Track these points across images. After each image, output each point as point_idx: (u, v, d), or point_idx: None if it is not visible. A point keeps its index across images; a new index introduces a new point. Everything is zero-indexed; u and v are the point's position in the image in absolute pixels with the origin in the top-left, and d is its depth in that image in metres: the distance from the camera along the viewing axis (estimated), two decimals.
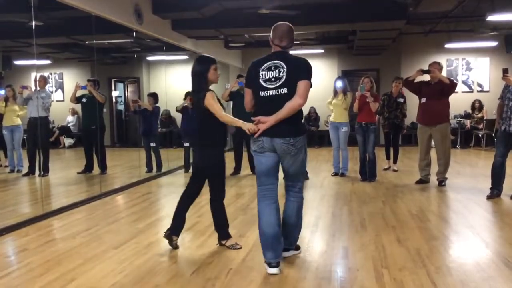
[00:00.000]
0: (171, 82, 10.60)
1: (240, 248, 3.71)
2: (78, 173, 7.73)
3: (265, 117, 3.10)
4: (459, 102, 11.17)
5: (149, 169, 8.01)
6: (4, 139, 7.61)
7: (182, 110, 7.81)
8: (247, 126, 3.22)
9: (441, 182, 6.34)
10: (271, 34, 3.23)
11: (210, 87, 3.63)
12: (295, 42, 3.31)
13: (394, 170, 7.78)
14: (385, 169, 7.87)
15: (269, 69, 3.14)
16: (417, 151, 6.81)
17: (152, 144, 8.00)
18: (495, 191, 5.43)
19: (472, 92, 12.19)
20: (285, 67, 3.09)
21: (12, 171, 7.66)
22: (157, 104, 8.03)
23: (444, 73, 7.50)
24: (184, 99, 7.83)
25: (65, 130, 10.47)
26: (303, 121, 3.41)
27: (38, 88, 7.19)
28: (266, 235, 3.18)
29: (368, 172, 6.88)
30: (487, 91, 12.05)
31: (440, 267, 3.23)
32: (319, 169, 8.12)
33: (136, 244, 3.91)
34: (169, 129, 11.97)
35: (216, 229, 3.83)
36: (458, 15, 8.78)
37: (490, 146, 10.52)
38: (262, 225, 3.22)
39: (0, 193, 6.56)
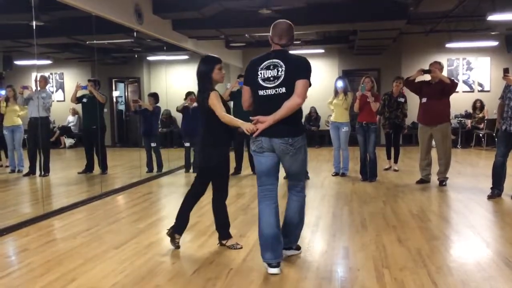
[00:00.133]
0: (171, 82, 10.60)
1: (241, 248, 3.71)
2: (79, 173, 7.73)
3: (264, 116, 3.09)
4: (459, 102, 11.16)
5: (150, 169, 8.01)
6: (5, 139, 7.62)
7: (183, 110, 7.82)
8: (245, 126, 3.21)
9: (442, 182, 6.33)
10: (270, 32, 3.21)
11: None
12: (295, 42, 3.30)
13: (395, 170, 7.77)
14: (386, 169, 7.87)
15: (267, 68, 3.12)
16: (417, 151, 6.80)
17: (153, 144, 8.00)
18: (496, 191, 5.43)
19: (472, 92, 12.19)
20: (284, 66, 3.07)
21: (12, 171, 7.67)
22: (158, 104, 8.03)
23: (444, 73, 7.51)
24: (185, 99, 7.84)
25: (65, 130, 10.47)
26: (303, 120, 3.40)
27: (38, 88, 7.19)
28: (266, 236, 3.18)
29: (368, 172, 6.87)
30: (488, 91, 12.05)
31: (441, 267, 3.23)
32: (320, 169, 8.12)
33: (136, 244, 3.91)
34: (169, 129, 11.98)
35: (217, 229, 3.83)
36: (459, 14, 8.78)
37: (491, 146, 10.51)
38: (261, 226, 3.22)
39: (0, 193, 6.56)
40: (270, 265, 3.16)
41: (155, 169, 8.04)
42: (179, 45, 8.90)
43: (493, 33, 10.44)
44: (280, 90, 3.08)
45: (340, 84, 7.23)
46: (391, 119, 7.69)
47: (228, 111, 3.56)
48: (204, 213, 4.76)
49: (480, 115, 11.44)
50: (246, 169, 7.76)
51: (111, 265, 3.40)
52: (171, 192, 6.56)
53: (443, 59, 11.34)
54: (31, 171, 7.34)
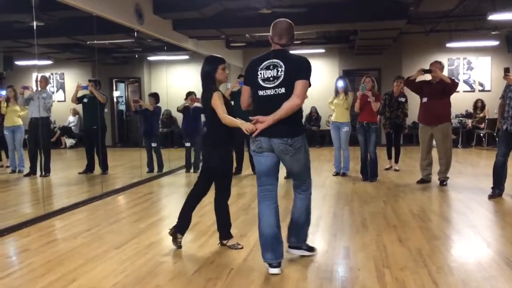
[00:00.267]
0: (172, 82, 10.61)
1: (242, 248, 3.71)
2: (80, 173, 7.74)
3: (263, 116, 3.08)
4: (460, 101, 11.15)
5: (150, 169, 8.01)
6: (6, 139, 7.63)
7: (183, 110, 7.82)
8: (245, 126, 3.21)
9: (443, 182, 6.33)
10: (270, 31, 3.20)
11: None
12: (296, 42, 3.29)
13: (396, 170, 7.77)
14: (387, 169, 7.87)
15: (267, 68, 3.11)
16: (418, 151, 6.80)
17: (153, 144, 8.00)
18: (497, 191, 5.42)
19: (473, 91, 12.18)
20: (284, 66, 3.06)
21: (13, 171, 7.67)
22: (158, 104, 8.03)
23: (445, 73, 7.51)
24: (185, 99, 7.84)
25: (66, 130, 10.48)
26: (303, 120, 3.39)
27: (39, 89, 7.20)
28: (266, 236, 3.18)
29: (369, 171, 6.87)
30: (489, 91, 12.04)
31: (441, 266, 3.23)
32: (321, 169, 8.12)
33: (137, 244, 3.91)
34: (170, 129, 11.98)
35: (218, 228, 3.84)
36: (459, 14, 8.78)
37: (492, 145, 10.50)
38: (261, 226, 3.22)
39: (1, 194, 6.56)
40: (271, 265, 3.16)
41: (156, 169, 8.04)
42: (179, 45, 8.90)
43: (493, 32, 10.43)
44: (280, 90, 3.07)
45: (340, 84, 7.23)
46: (391, 119, 7.68)
47: (231, 111, 3.55)
48: (205, 213, 4.76)
49: (481, 114, 11.43)
50: (246, 169, 7.75)
51: (112, 265, 3.40)
52: (172, 192, 6.56)
53: (443, 58, 11.33)
54: (32, 172, 7.34)
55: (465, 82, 12.24)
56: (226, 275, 3.16)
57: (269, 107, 3.09)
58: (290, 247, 3.46)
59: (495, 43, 11.27)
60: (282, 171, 3.39)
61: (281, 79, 3.06)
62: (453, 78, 6.83)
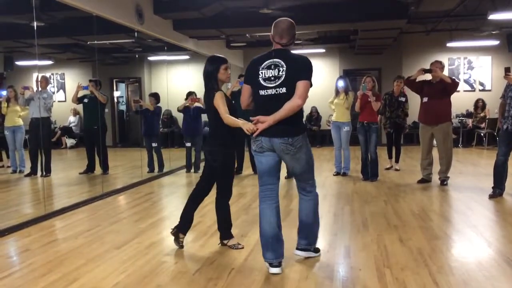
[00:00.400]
0: (172, 82, 10.61)
1: (242, 248, 3.71)
2: (80, 173, 7.75)
3: (264, 116, 3.08)
4: (461, 101, 11.16)
5: (151, 169, 8.02)
6: (6, 139, 7.64)
7: (184, 110, 7.82)
8: (246, 126, 3.21)
9: (443, 182, 6.33)
10: (272, 30, 3.19)
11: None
12: (296, 42, 3.28)
13: (396, 170, 7.77)
14: (387, 169, 7.87)
15: (268, 67, 3.10)
16: (419, 151, 6.80)
17: (154, 144, 8.00)
18: (498, 190, 5.42)
19: (474, 91, 12.18)
20: (285, 66, 3.05)
21: (14, 171, 7.68)
22: (159, 104, 8.04)
23: (445, 72, 7.51)
24: (186, 99, 7.84)
25: (67, 131, 10.49)
26: (304, 120, 3.37)
27: (39, 89, 7.20)
28: (266, 236, 3.18)
29: (370, 171, 6.87)
30: (489, 90, 12.04)
31: (442, 266, 3.23)
32: (321, 168, 8.12)
33: (138, 244, 3.91)
34: (170, 129, 11.99)
35: (219, 228, 3.84)
36: (460, 13, 8.78)
37: (492, 145, 10.50)
38: (262, 226, 3.22)
39: (2, 194, 6.57)
40: (271, 265, 3.16)
41: (156, 169, 8.05)
42: (179, 45, 8.91)
43: (494, 32, 10.43)
44: (281, 90, 3.06)
45: (341, 83, 7.23)
46: (392, 118, 7.68)
47: (234, 111, 3.55)
48: (205, 213, 4.76)
49: (482, 114, 11.43)
50: (247, 169, 7.76)
51: (113, 265, 3.40)
52: (172, 192, 6.56)
53: (444, 58, 11.35)
54: (33, 172, 7.35)
55: (466, 81, 12.24)
56: (227, 275, 3.17)
57: (270, 106, 3.08)
58: (298, 249, 3.44)
59: (495, 42, 11.27)
60: (283, 171, 3.38)
61: (282, 78, 3.05)
62: (453, 77, 6.83)
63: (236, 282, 3.04)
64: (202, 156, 7.62)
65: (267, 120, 3.06)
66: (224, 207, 3.78)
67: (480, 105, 11.54)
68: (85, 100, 7.68)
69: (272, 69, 3.09)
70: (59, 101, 10.53)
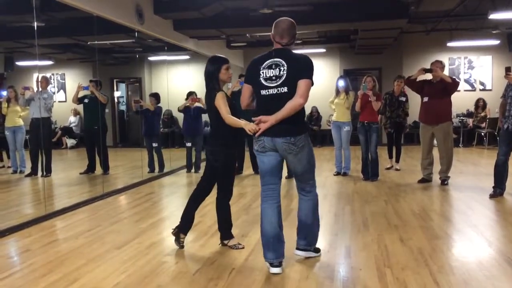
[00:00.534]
0: (173, 82, 10.61)
1: (243, 248, 3.71)
2: (81, 173, 7.75)
3: (266, 116, 3.08)
4: (461, 100, 11.15)
5: (151, 169, 8.02)
6: (7, 140, 7.64)
7: (184, 110, 7.82)
8: (248, 127, 3.21)
9: (444, 181, 6.32)
10: (272, 30, 3.19)
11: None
12: (296, 42, 3.27)
13: (397, 169, 7.77)
14: (388, 168, 7.87)
15: (269, 67, 3.10)
16: (419, 150, 6.80)
17: (154, 144, 8.01)
18: (498, 190, 5.42)
19: (474, 90, 12.18)
20: (286, 65, 3.05)
21: (14, 172, 7.69)
22: (159, 104, 8.04)
23: (446, 72, 7.51)
24: (186, 99, 7.84)
25: (67, 131, 10.50)
26: (305, 119, 3.37)
27: (40, 89, 7.21)
28: (267, 236, 3.18)
29: (370, 171, 6.87)
30: (490, 90, 12.04)
31: (443, 266, 3.23)
32: (321, 168, 8.11)
33: (138, 244, 3.91)
34: (171, 129, 12.00)
35: (219, 228, 3.84)
36: (460, 13, 8.78)
37: (493, 144, 10.49)
38: (263, 225, 3.22)
39: (3, 194, 6.57)
40: (272, 265, 3.16)
41: (157, 169, 8.05)
42: (180, 45, 8.91)
43: (494, 31, 10.43)
44: (282, 89, 3.06)
45: (341, 83, 7.22)
46: (392, 118, 7.68)
47: (235, 111, 3.54)
48: (206, 213, 4.76)
49: (482, 114, 11.43)
50: (247, 169, 7.75)
51: (113, 265, 3.40)
52: (173, 192, 6.57)
53: (444, 58, 11.35)
54: (33, 172, 7.36)
55: (466, 81, 12.24)
56: (228, 275, 3.17)
57: (271, 106, 3.08)
58: (298, 249, 3.44)
59: (496, 42, 11.27)
60: (284, 171, 3.38)
61: (283, 78, 3.05)
62: (454, 77, 6.82)
63: (237, 282, 3.04)
64: (203, 156, 7.65)
65: (269, 120, 3.06)
66: (224, 207, 3.78)
67: (480, 104, 11.53)
68: (86, 100, 7.68)
69: (273, 69, 3.09)
70: (59, 101, 10.55)
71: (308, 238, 3.41)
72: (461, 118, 11.47)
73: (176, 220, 3.93)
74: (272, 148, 3.15)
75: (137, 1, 6.89)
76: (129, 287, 3.01)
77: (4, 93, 7.70)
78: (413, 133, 11.07)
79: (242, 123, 3.34)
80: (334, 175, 7.37)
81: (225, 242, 3.78)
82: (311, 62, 3.10)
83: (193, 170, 8.09)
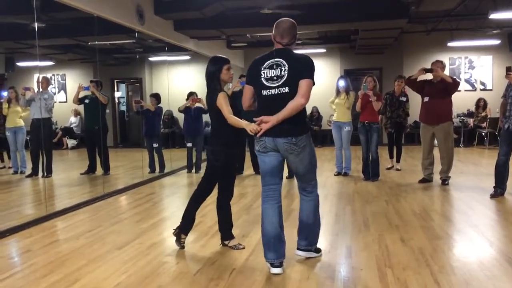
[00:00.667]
0: (173, 83, 10.62)
1: (243, 248, 3.71)
2: (81, 174, 7.75)
3: (268, 116, 3.08)
4: (462, 100, 11.14)
5: (152, 170, 8.02)
6: (8, 140, 7.65)
7: (185, 110, 7.82)
8: (249, 127, 3.21)
9: (445, 181, 6.32)
10: (273, 30, 3.19)
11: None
12: (297, 42, 3.27)
13: (397, 169, 7.76)
14: (388, 168, 7.86)
15: (270, 67, 3.10)
16: (420, 150, 6.80)
17: (155, 145, 8.01)
18: (499, 190, 5.42)
19: (475, 90, 12.17)
20: (287, 65, 3.05)
21: (15, 172, 7.70)
22: (160, 105, 8.04)
23: (446, 72, 7.50)
24: (187, 99, 7.84)
25: (68, 131, 10.50)
26: (306, 119, 3.36)
27: (40, 90, 7.20)
28: (268, 236, 3.18)
29: (371, 171, 6.86)
30: (490, 90, 12.03)
31: (443, 266, 3.23)
32: (322, 168, 8.11)
33: (139, 245, 3.91)
34: (171, 129, 12.00)
35: (220, 229, 3.84)
36: (460, 13, 8.77)
37: (494, 144, 10.49)
38: (264, 226, 3.22)
39: (3, 195, 6.58)
40: (273, 265, 3.16)
41: (157, 169, 8.05)
42: (180, 45, 8.91)
43: (495, 31, 10.42)
44: (283, 89, 3.06)
45: (342, 83, 7.22)
46: (393, 118, 7.68)
47: (237, 112, 3.54)
48: (206, 214, 4.76)
49: (483, 114, 11.42)
50: (248, 169, 7.75)
51: (114, 266, 3.40)
52: (173, 193, 6.57)
53: (445, 58, 11.33)
54: (34, 172, 7.36)
55: (467, 81, 12.23)
56: (228, 275, 3.17)
57: (273, 106, 3.08)
58: (299, 249, 3.44)
59: (496, 42, 11.26)
60: (284, 171, 3.38)
61: (284, 78, 3.05)
62: (454, 77, 6.82)
63: (237, 282, 3.04)
64: (203, 157, 7.65)
65: (271, 120, 3.06)
66: (225, 208, 3.78)
67: (481, 104, 11.53)
68: (86, 101, 7.69)
69: (274, 69, 3.09)
70: (60, 102, 10.55)
71: (309, 238, 3.40)
72: (462, 118, 11.47)
73: (176, 221, 3.93)
74: (274, 148, 3.15)
75: (138, 1, 6.89)
76: (129, 287, 3.01)
77: (5, 93, 7.71)
78: (413, 133, 11.07)
79: (243, 123, 3.34)
80: (335, 175, 7.37)
81: (226, 242, 3.78)
82: (312, 62, 3.10)
83: (193, 171, 8.09)
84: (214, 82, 3.57)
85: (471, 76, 12.27)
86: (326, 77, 11.82)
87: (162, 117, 9.10)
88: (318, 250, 3.49)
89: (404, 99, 7.65)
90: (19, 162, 7.69)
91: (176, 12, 7.64)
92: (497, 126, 9.63)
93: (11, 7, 6.22)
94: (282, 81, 3.06)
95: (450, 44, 11.40)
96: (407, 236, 3.97)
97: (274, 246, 3.16)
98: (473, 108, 11.76)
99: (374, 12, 7.87)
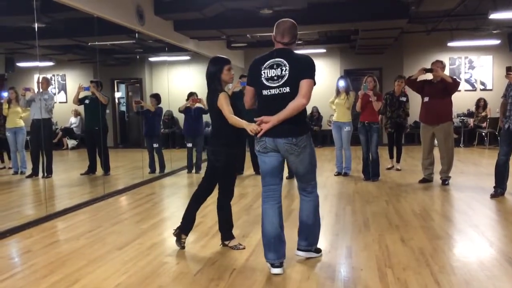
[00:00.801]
0: (173, 83, 10.62)
1: (244, 248, 3.71)
2: (81, 174, 7.76)
3: (268, 117, 3.07)
4: (462, 100, 11.15)
5: (152, 170, 8.02)
6: (8, 141, 7.65)
7: (185, 110, 7.82)
8: (250, 127, 3.21)
9: (445, 181, 6.32)
10: (274, 31, 3.18)
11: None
12: (297, 42, 3.27)
13: (397, 169, 7.76)
14: (388, 169, 7.86)
15: (271, 67, 3.09)
16: (420, 150, 6.80)
17: (155, 145, 8.01)
18: (499, 190, 5.42)
19: (475, 90, 12.17)
20: (288, 65, 3.04)
21: (15, 173, 7.70)
22: (160, 105, 8.04)
23: (446, 72, 7.50)
24: (187, 99, 7.84)
25: (68, 132, 10.50)
26: (306, 120, 3.36)
27: (41, 90, 7.20)
28: (269, 236, 3.18)
29: (371, 171, 6.86)
30: (490, 90, 12.03)
31: (444, 266, 3.23)
32: (322, 168, 8.11)
33: (139, 245, 3.91)
34: (171, 130, 12.01)
35: (220, 229, 3.84)
36: (461, 13, 8.77)
37: (494, 144, 10.50)
38: (264, 226, 3.22)
39: (4, 195, 6.58)
40: (273, 265, 3.16)
41: (158, 170, 8.05)
42: (180, 45, 8.91)
43: (495, 31, 10.42)
44: (284, 89, 3.06)
45: (342, 83, 7.22)
46: (393, 118, 7.68)
47: (238, 112, 3.54)
48: (206, 214, 4.76)
49: (483, 113, 11.42)
50: (248, 169, 7.75)
51: (115, 266, 3.40)
52: (174, 193, 6.57)
53: (445, 58, 11.34)
54: (34, 173, 7.36)
55: (467, 81, 12.23)
56: (229, 275, 3.17)
57: (274, 106, 3.07)
58: (299, 249, 3.44)
59: (496, 42, 11.26)
60: (284, 171, 3.38)
61: (285, 78, 3.04)
62: (454, 77, 6.82)
63: (238, 282, 3.04)
64: (204, 157, 7.65)
65: (271, 120, 3.05)
66: (225, 208, 3.78)
67: (481, 104, 11.53)
68: (86, 101, 7.69)
69: (275, 69, 3.08)
70: (60, 102, 10.55)
71: (309, 238, 3.40)
72: (462, 118, 11.47)
73: (177, 221, 3.93)
74: (274, 148, 3.15)
75: (138, 2, 6.89)
76: (130, 287, 3.01)
77: (5, 94, 7.71)
78: (413, 133, 11.06)
79: (244, 123, 3.34)
80: (335, 175, 7.37)
81: (226, 242, 3.78)
82: (313, 62, 3.10)
83: (194, 171, 8.10)
84: (214, 82, 3.57)
85: (471, 76, 12.27)
86: (326, 77, 11.82)
87: (162, 118, 9.10)
88: (318, 250, 3.49)
89: (404, 99, 7.65)
90: (19, 162, 7.69)
91: (176, 13, 7.64)
92: (497, 126, 9.63)
93: (11, 8, 6.22)
94: (283, 81, 3.05)
95: (450, 44, 11.40)
96: (407, 236, 3.97)
97: (274, 247, 3.16)
98: (473, 108, 11.76)
99: (374, 12, 7.87)
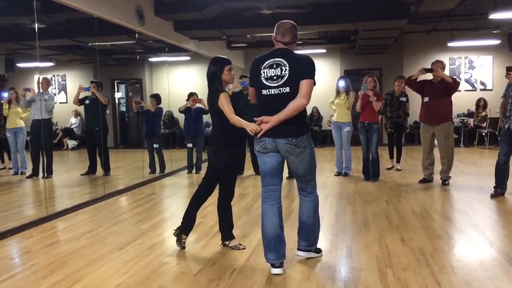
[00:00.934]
0: (173, 83, 10.63)
1: (244, 248, 3.71)
2: (82, 174, 7.76)
3: (268, 117, 3.07)
4: (462, 100, 11.15)
5: (152, 170, 8.02)
6: (8, 141, 7.65)
7: (185, 111, 7.82)
8: (249, 127, 3.21)
9: (445, 181, 6.32)
10: (274, 31, 3.19)
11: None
12: (297, 42, 3.27)
13: (397, 170, 7.76)
14: (388, 169, 7.86)
15: (270, 67, 3.09)
16: (420, 150, 6.80)
17: (155, 145, 8.02)
18: (499, 190, 5.42)
19: (475, 90, 12.17)
20: (288, 65, 3.04)
21: (16, 173, 7.70)
22: (160, 105, 8.05)
23: (446, 72, 7.50)
24: (187, 99, 7.84)
25: (68, 132, 10.50)
26: (306, 120, 3.36)
27: (41, 90, 7.21)
28: (268, 236, 3.18)
29: (371, 171, 6.86)
30: (490, 90, 12.03)
31: (444, 266, 3.23)
32: (322, 169, 8.11)
33: (140, 245, 3.91)
34: (172, 130, 12.01)
35: (220, 229, 3.84)
36: (461, 13, 8.78)
37: (494, 144, 10.50)
38: (264, 226, 3.22)
39: (4, 195, 6.58)
40: (273, 265, 3.16)
41: (158, 170, 8.05)
42: (180, 46, 8.92)
43: (495, 31, 10.43)
44: (284, 89, 3.05)
45: (342, 83, 7.22)
46: (393, 118, 7.68)
47: (238, 112, 3.54)
48: (207, 214, 4.76)
49: (483, 113, 11.42)
50: (248, 170, 7.76)
51: (115, 266, 3.40)
52: (174, 193, 6.57)
53: (445, 58, 11.34)
54: (34, 173, 7.36)
55: (467, 81, 12.23)
56: (229, 275, 3.17)
57: (273, 106, 3.07)
58: (299, 249, 3.44)
59: (496, 42, 11.26)
60: (284, 172, 3.38)
61: (285, 78, 3.04)
62: (454, 77, 6.82)
63: (238, 282, 3.04)
64: (204, 157, 7.65)
65: (271, 120, 3.05)
66: (226, 208, 3.78)
67: (481, 104, 11.53)
68: (87, 102, 7.69)
69: (274, 68, 3.08)
70: (60, 103, 10.55)
71: (309, 239, 3.40)
72: (462, 118, 11.47)
73: (177, 221, 3.93)
74: (274, 149, 3.15)
75: (138, 2, 6.89)
76: (130, 287, 3.02)
77: (5, 94, 7.71)
78: (413, 133, 11.07)
79: (244, 123, 3.34)
80: (335, 175, 7.37)
81: (226, 242, 3.78)
82: (313, 62, 3.10)
83: (194, 171, 8.10)
84: (215, 82, 3.57)
85: (471, 76, 12.27)
86: (326, 78, 11.82)
87: (163, 118, 9.10)
88: (318, 251, 3.49)
89: (404, 99, 7.66)
90: (20, 163, 7.70)
91: (176, 13, 7.65)
92: (497, 126, 9.63)
93: (11, 8, 6.22)
94: (283, 81, 3.05)
95: (450, 44, 11.41)
96: (408, 236, 3.97)
97: (274, 247, 3.16)
98: (473, 108, 11.76)
99: (374, 12, 7.87)
